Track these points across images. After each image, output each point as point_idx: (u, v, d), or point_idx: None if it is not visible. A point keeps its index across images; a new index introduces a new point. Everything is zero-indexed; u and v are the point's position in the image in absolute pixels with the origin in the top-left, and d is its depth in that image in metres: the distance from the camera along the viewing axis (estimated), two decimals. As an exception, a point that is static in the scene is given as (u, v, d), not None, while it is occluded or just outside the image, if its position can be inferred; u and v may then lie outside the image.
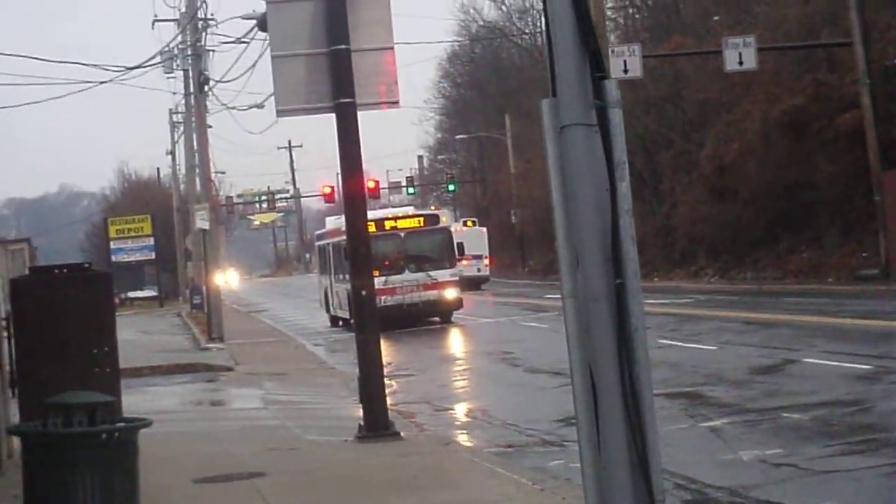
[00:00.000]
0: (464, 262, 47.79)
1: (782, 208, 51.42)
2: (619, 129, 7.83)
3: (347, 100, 17.38)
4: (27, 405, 11.09)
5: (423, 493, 12.98)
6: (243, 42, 41.08)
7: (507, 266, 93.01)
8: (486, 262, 73.87)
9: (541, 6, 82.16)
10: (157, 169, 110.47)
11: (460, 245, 48.53)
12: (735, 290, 48.59)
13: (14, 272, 15.56)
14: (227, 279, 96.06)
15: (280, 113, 17.84)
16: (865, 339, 25.62)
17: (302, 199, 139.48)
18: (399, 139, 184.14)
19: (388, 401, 17.96)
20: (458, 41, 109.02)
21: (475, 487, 13.15)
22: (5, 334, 14.04)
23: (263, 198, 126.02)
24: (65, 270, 11.40)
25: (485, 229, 78.00)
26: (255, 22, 34.86)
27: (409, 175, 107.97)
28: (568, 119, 7.72)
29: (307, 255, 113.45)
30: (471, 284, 51.56)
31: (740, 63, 42.80)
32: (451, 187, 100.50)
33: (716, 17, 60.07)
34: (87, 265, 12.24)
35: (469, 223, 76.84)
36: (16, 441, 13.37)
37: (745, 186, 53.44)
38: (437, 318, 44.73)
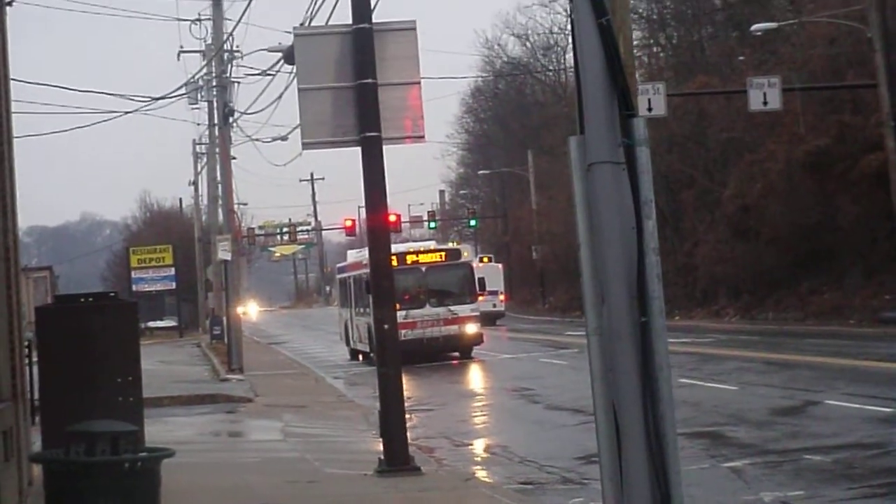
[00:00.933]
0: (480, 298, 47.86)
1: (805, 249, 51.32)
2: (646, 167, 7.83)
3: (373, 133, 17.42)
4: (49, 433, 11.10)
5: (442, 529, 12.95)
6: (269, 74, 41.24)
7: (527, 302, 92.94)
8: (502, 297, 74.95)
9: (565, 43, 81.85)
10: (180, 199, 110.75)
11: (481, 280, 48.52)
12: (756, 330, 48.44)
13: (36, 300, 15.62)
14: (247, 310, 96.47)
15: (306, 146, 17.87)
16: (887, 382, 25.52)
17: (323, 232, 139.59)
18: (421, 173, 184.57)
19: (408, 435, 17.91)
20: (481, 76, 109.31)
21: (495, 524, 13.11)
22: (27, 361, 14.07)
23: (285, 230, 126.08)
24: (90, 299, 11.43)
25: (501, 265, 78.76)
26: (280, 54, 34.98)
27: (430, 209, 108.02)
28: (595, 157, 7.71)
29: (327, 288, 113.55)
30: (486, 320, 51.77)
31: (765, 103, 42.77)
32: (473, 222, 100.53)
33: (741, 57, 60.09)
34: (112, 294, 12.28)
35: (485, 259, 77.21)
36: (37, 469, 13.38)
37: (767, 226, 53.35)
38: (457, 353, 44.68)
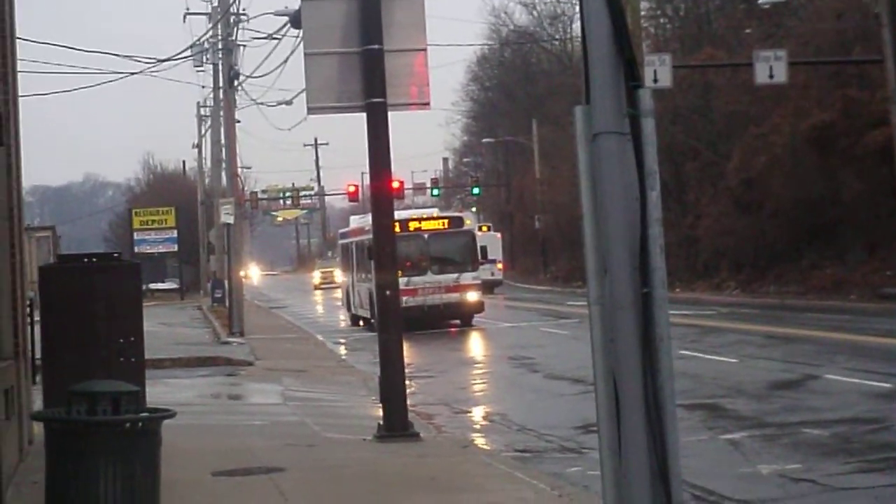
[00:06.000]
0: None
1: (807, 223, 51.33)
2: (651, 138, 7.84)
3: (378, 100, 17.42)
4: (51, 392, 11.14)
5: (441, 495, 13.00)
6: (275, 38, 41.20)
7: (528, 272, 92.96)
8: (500, 266, 75.51)
9: (572, 13, 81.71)
10: (183, 162, 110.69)
11: (483, 248, 48.56)
12: (757, 303, 48.50)
13: (39, 259, 15.64)
14: (248, 274, 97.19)
15: (311, 110, 17.87)
16: (887, 358, 25.57)
17: (326, 197, 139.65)
18: (425, 140, 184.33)
19: (408, 402, 17.97)
20: (487, 45, 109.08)
21: (493, 491, 13.17)
22: (29, 320, 14.10)
23: (288, 194, 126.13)
24: (94, 259, 11.45)
25: (499, 234, 79.26)
26: (287, 19, 34.93)
27: (433, 177, 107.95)
28: (601, 127, 7.73)
29: (329, 253, 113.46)
30: (484, 288, 52.00)
31: (771, 76, 42.66)
32: (476, 191, 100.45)
33: (748, 30, 59.94)
34: (115, 255, 12.29)
35: (485, 227, 77.36)
36: (38, 427, 13.44)
37: (770, 200, 53.33)
38: (457, 321, 44.75)
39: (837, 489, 13.10)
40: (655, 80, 41.98)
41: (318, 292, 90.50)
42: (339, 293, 60.47)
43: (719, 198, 59.96)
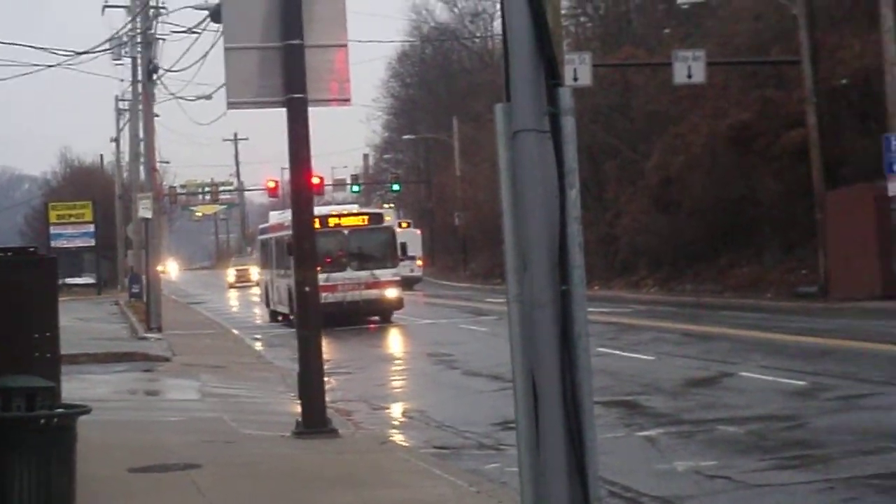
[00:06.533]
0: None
1: (725, 222, 51.76)
2: (571, 136, 7.87)
3: (299, 95, 17.37)
4: (-36, 388, 10.99)
5: (359, 491, 12.99)
6: (195, 32, 40.90)
7: (448, 268, 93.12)
8: (420, 262, 75.72)
9: (493, 10, 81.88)
10: (101, 156, 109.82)
11: (403, 245, 48.61)
12: (675, 301, 48.86)
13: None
14: (166, 269, 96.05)
15: (231, 105, 17.79)
16: (802, 356, 25.84)
17: (245, 193, 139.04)
18: (345, 137, 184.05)
19: (327, 398, 17.94)
20: (408, 41, 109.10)
21: (411, 487, 13.18)
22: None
23: (207, 189, 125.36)
24: (9, 253, 11.32)
25: (419, 231, 79.58)
26: (207, 12, 34.71)
27: (354, 173, 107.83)
28: (521, 124, 7.75)
29: (248, 249, 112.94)
30: (403, 284, 52.00)
31: (689, 76, 43.06)
32: (396, 187, 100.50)
33: (667, 30, 60.40)
34: (32, 249, 12.17)
35: (404, 224, 77.46)
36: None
37: (688, 199, 53.73)
38: (377, 317, 44.74)
39: (752, 486, 13.23)
40: (576, 79, 42.23)
41: (235, 290, 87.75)
42: (257, 290, 60.24)
43: (638, 196, 60.34)
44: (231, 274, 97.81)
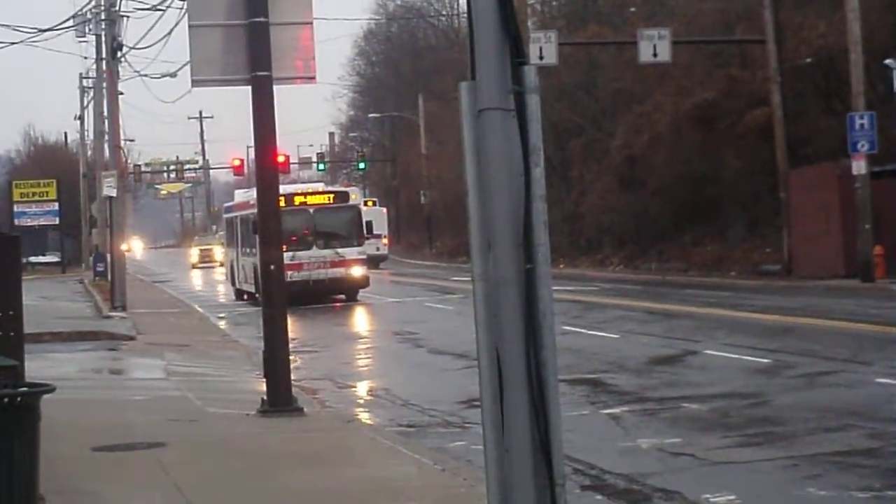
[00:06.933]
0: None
1: (689, 201, 51.94)
2: (535, 114, 7.88)
3: (264, 73, 17.30)
4: (-73, 367, 10.94)
5: (324, 469, 13.01)
6: (159, 9, 40.62)
7: (414, 247, 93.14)
8: (385, 241, 75.67)
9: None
10: (65, 133, 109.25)
11: (369, 224, 48.64)
12: (639, 279, 49.03)
13: (-83, 232, 15.32)
14: (131, 248, 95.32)
15: (195, 83, 17.71)
16: (765, 334, 25.99)
17: (211, 171, 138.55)
18: (311, 115, 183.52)
19: (292, 376, 17.93)
20: (374, 19, 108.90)
21: (377, 465, 13.20)
22: None
23: (172, 168, 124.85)
24: (-29, 232, 11.29)
25: (385, 209, 79.54)
26: (171, -10, 34.52)
27: (319, 151, 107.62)
28: (486, 103, 7.75)
29: (214, 227, 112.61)
30: (369, 263, 51.95)
31: (654, 55, 43.12)
32: (362, 165, 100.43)
33: (632, 9, 60.47)
34: (-6, 228, 12.15)
35: (370, 203, 77.42)
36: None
37: (653, 177, 53.90)
38: (342, 296, 44.74)
39: (716, 463, 13.30)
40: (541, 58, 42.23)
41: (199, 271, 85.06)
42: (221, 270, 60.09)
43: (603, 175, 60.49)
44: (194, 254, 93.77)
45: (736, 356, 22.06)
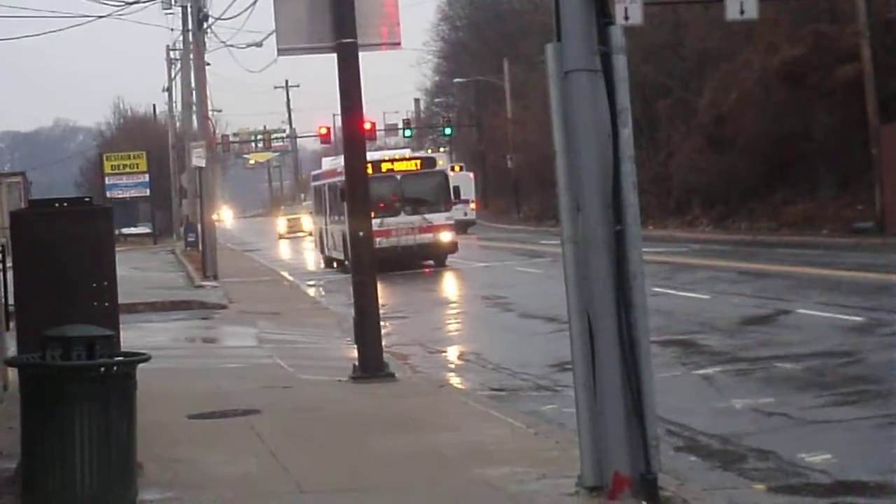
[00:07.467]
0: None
1: (779, 159, 51.39)
2: (622, 75, 7.83)
3: (349, 40, 17.32)
4: (25, 338, 11.08)
5: (418, 434, 13.05)
6: (243, -21, 40.85)
7: (501, 211, 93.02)
8: (473, 206, 75.47)
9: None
10: (154, 105, 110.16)
11: (456, 189, 48.61)
12: (729, 240, 48.65)
13: (10, 205, 15.53)
14: (221, 217, 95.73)
15: (281, 52, 17.78)
16: (858, 292, 25.71)
17: (298, 140, 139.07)
18: (396, 81, 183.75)
19: (383, 342, 18.00)
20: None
21: (470, 429, 13.22)
22: (1, 267, 14.04)
23: (259, 137, 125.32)
24: (65, 204, 11.39)
25: (471, 174, 79.15)
26: (255, -40, 34.64)
27: (405, 118, 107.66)
28: (572, 64, 7.71)
29: (302, 196, 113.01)
30: (457, 228, 51.94)
31: (741, 12, 42.54)
32: (448, 131, 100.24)
33: (718, -34, 59.70)
34: (87, 199, 12.23)
35: (457, 168, 77.25)
36: (12, 373, 13.42)
37: (742, 136, 53.37)
38: (431, 262, 44.81)
39: (810, 422, 13.20)
40: (626, 18, 41.85)
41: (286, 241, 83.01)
42: (310, 240, 60.36)
43: (691, 135, 59.98)
44: (281, 224, 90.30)
45: (829, 315, 21.86)
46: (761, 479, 11.13)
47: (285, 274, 45.80)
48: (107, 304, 10.69)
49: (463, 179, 72.53)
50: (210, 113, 48.59)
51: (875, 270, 29.78)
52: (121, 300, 11.41)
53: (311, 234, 63.46)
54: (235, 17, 75.99)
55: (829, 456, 11.56)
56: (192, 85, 47.08)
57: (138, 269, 45.96)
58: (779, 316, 22.84)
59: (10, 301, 13.42)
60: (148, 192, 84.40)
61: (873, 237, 41.36)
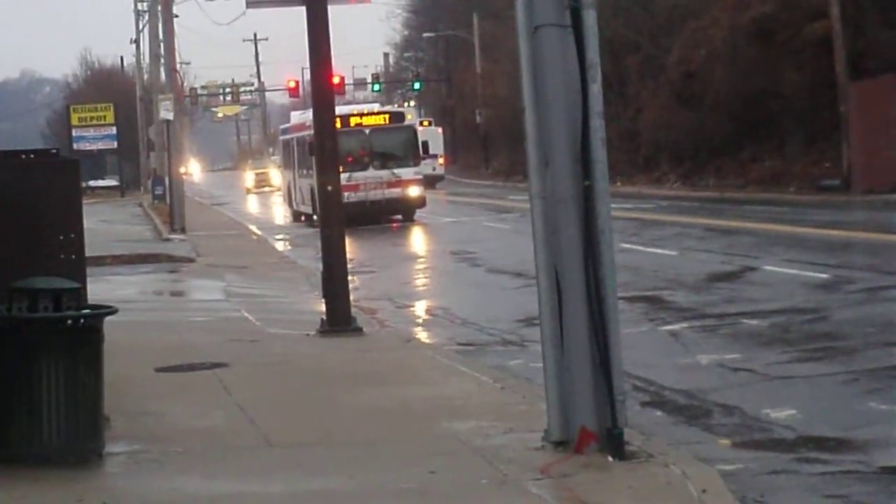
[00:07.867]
0: None
1: (747, 116, 51.44)
2: (592, 30, 7.82)
3: (318, -7, 17.24)
4: (-9, 290, 11.04)
5: (385, 388, 13.09)
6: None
7: (470, 167, 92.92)
8: (441, 161, 75.39)
9: None
10: (121, 57, 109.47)
11: (425, 143, 48.56)
12: (697, 196, 48.76)
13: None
14: (189, 171, 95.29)
15: (250, 4, 17.72)
16: (825, 249, 25.82)
17: (266, 93, 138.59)
18: (365, 35, 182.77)
19: (351, 297, 18.01)
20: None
21: (437, 383, 13.27)
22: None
23: (227, 90, 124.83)
24: (32, 156, 11.33)
25: (440, 129, 78.96)
26: (224, -89, 34.41)
27: (374, 72, 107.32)
28: (542, 19, 7.70)
29: (270, 150, 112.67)
30: (425, 183, 51.86)
31: (711, -31, 42.57)
32: (417, 86, 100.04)
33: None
34: (54, 151, 12.17)
35: (426, 123, 77.07)
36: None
37: (710, 93, 53.38)
38: (399, 216, 44.80)
39: (776, 378, 13.29)
40: (596, -27, 41.78)
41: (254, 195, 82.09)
42: (278, 193, 60.25)
43: (660, 91, 59.96)
44: (249, 178, 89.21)
45: (795, 272, 21.96)
46: (726, 433, 11.21)
47: (253, 228, 45.74)
48: (73, 256, 10.65)
49: (431, 134, 72.41)
50: (178, 65, 48.37)
51: (841, 228, 29.92)
52: (88, 253, 11.37)
53: (279, 189, 63.35)
54: (204, -32, 75.63)
55: (793, 411, 11.64)
56: (160, 37, 46.81)
57: (105, 222, 45.80)
58: (745, 272, 22.94)
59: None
60: (115, 145, 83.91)
61: (840, 195, 41.51)
